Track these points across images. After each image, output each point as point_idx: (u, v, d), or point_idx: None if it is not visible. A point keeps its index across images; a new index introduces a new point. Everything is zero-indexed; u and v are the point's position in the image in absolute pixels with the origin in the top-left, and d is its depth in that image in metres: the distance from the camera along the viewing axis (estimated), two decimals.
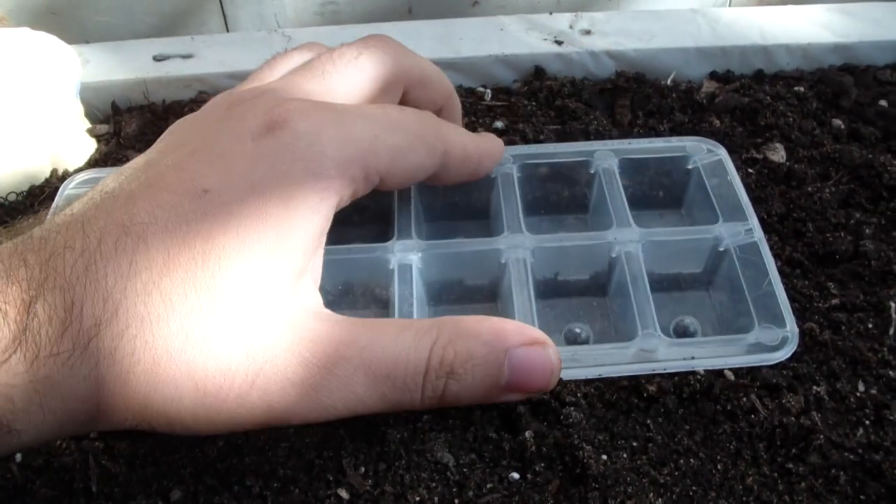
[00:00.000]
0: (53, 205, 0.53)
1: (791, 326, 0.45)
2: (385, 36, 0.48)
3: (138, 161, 0.42)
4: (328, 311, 0.40)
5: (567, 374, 0.44)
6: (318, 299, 0.41)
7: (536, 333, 0.41)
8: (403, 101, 0.49)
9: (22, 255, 0.35)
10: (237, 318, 0.37)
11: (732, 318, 0.49)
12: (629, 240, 0.49)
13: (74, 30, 0.71)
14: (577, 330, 0.50)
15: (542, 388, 0.42)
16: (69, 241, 0.36)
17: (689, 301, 0.51)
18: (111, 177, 0.40)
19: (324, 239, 0.41)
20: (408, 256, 0.48)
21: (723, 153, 0.54)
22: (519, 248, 0.49)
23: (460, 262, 0.50)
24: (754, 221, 0.50)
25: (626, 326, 0.47)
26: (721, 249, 0.50)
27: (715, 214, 0.50)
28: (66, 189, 0.54)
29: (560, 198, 0.55)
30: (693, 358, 0.45)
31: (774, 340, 0.45)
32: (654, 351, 0.45)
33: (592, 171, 0.54)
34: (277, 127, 0.40)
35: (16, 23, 0.73)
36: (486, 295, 0.51)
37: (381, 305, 0.50)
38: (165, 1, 0.73)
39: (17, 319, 0.34)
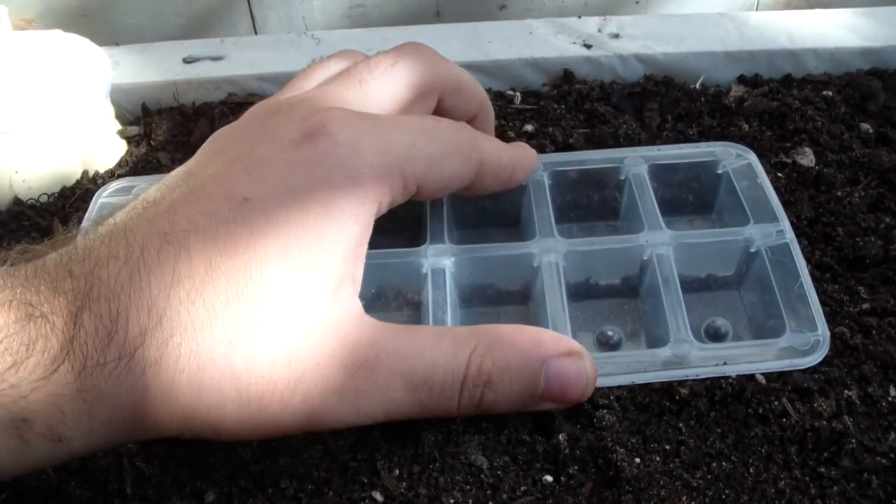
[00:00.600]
0: (88, 212, 0.53)
1: (822, 330, 0.45)
2: (420, 44, 0.49)
3: (179, 171, 0.42)
4: (369, 318, 0.41)
5: (599, 382, 0.44)
6: (359, 306, 0.41)
7: (573, 344, 0.41)
8: (438, 109, 0.50)
9: (67, 266, 0.36)
10: (279, 324, 0.37)
11: (764, 320, 0.49)
12: (660, 242, 0.49)
13: (103, 31, 0.72)
14: (610, 332, 0.50)
15: (578, 399, 0.42)
16: (112, 250, 0.36)
17: (721, 302, 0.51)
18: (153, 187, 0.41)
19: (365, 247, 0.42)
20: (441, 261, 0.49)
21: (752, 157, 0.54)
22: (551, 251, 0.49)
23: (493, 266, 0.50)
24: (785, 223, 0.50)
25: (657, 329, 0.47)
26: (752, 251, 0.50)
27: (746, 217, 0.51)
28: (100, 197, 0.54)
29: (591, 204, 0.55)
30: (725, 363, 0.45)
31: (806, 344, 0.45)
32: (686, 356, 0.45)
33: (623, 177, 0.54)
34: (316, 135, 0.40)
35: (45, 25, 0.73)
36: (519, 298, 0.51)
37: (413, 309, 0.50)
38: (194, 3, 0.73)
39: (64, 330, 0.34)
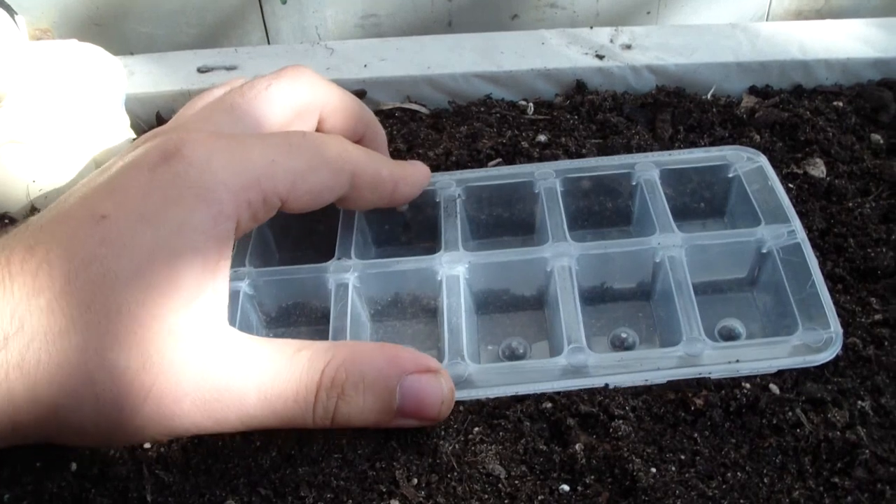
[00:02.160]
0: None
1: (835, 327, 0.46)
2: (300, 66, 0.50)
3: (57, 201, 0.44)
4: (230, 330, 0.42)
5: (614, 380, 0.45)
6: (218, 319, 0.42)
7: (431, 362, 0.43)
8: (321, 130, 0.51)
9: None
10: (133, 334, 0.38)
11: (777, 320, 0.49)
12: (672, 244, 0.50)
13: (118, 41, 0.72)
14: (623, 335, 0.50)
15: (434, 417, 0.43)
16: None
17: (734, 304, 0.52)
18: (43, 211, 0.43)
19: (226, 262, 0.43)
20: (455, 268, 0.49)
21: (763, 160, 0.54)
22: (564, 256, 0.49)
23: (506, 271, 0.50)
24: (797, 223, 0.50)
25: (671, 331, 0.47)
26: (764, 252, 0.50)
27: (757, 220, 0.51)
28: None
29: (603, 210, 0.56)
30: (738, 361, 0.45)
31: (818, 342, 0.45)
32: (699, 355, 0.45)
33: (634, 183, 0.54)
34: (171, 157, 0.41)
35: (59, 34, 0.74)
36: (533, 303, 0.52)
37: (429, 315, 0.51)
38: (207, 13, 0.73)
39: None
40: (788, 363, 0.45)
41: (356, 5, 0.73)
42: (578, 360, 0.45)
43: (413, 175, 0.52)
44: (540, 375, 0.45)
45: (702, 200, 0.56)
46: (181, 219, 0.40)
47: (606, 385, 0.45)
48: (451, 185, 0.54)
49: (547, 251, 0.50)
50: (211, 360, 0.40)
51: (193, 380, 0.40)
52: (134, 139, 0.65)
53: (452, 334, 0.46)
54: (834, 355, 0.45)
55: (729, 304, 0.52)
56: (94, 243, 0.39)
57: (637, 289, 0.52)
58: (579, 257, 0.50)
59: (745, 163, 0.54)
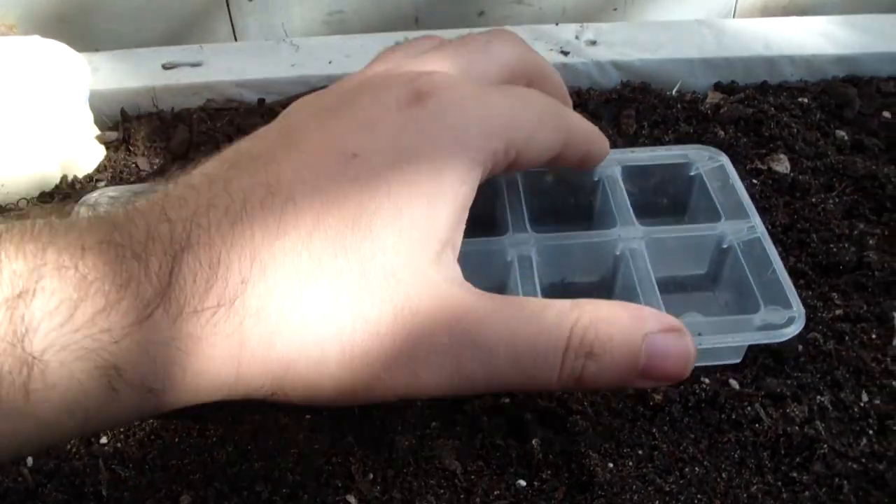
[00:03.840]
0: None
1: (798, 308, 0.45)
2: (510, 31, 0.49)
3: (271, 126, 0.41)
4: (469, 285, 0.40)
5: None
6: (459, 272, 0.40)
7: (674, 321, 0.40)
8: None
9: (162, 212, 0.34)
10: (387, 282, 0.36)
11: (739, 313, 0.48)
12: (633, 237, 0.49)
13: (83, 37, 0.72)
14: None
15: (678, 376, 0.40)
16: (212, 199, 0.35)
17: (696, 301, 0.52)
18: (244, 140, 0.40)
19: (467, 212, 0.41)
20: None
21: (724, 159, 0.54)
22: (523, 245, 0.49)
23: (464, 261, 0.50)
24: (756, 219, 0.50)
25: None
26: (725, 246, 0.50)
27: (718, 216, 0.51)
28: (81, 206, 0.53)
29: (566, 206, 0.56)
30: (700, 334, 0.44)
31: (781, 319, 0.45)
32: None
33: (596, 179, 0.54)
34: (424, 97, 0.39)
35: (24, 30, 0.73)
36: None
37: None
38: (173, 10, 0.73)
39: (159, 274, 0.33)
40: (751, 338, 0.45)
41: (322, 2, 0.73)
42: None
43: (604, 141, 0.51)
44: None
45: (664, 198, 0.56)
46: (439, 160, 0.38)
47: None
48: None
49: (507, 241, 0.50)
50: (461, 314, 0.37)
51: (445, 334, 0.37)
52: (98, 135, 0.64)
53: None
54: (797, 331, 0.44)
55: (690, 302, 0.51)
56: (346, 182, 0.37)
57: (599, 283, 0.52)
58: (539, 248, 0.49)
59: (707, 161, 0.54)
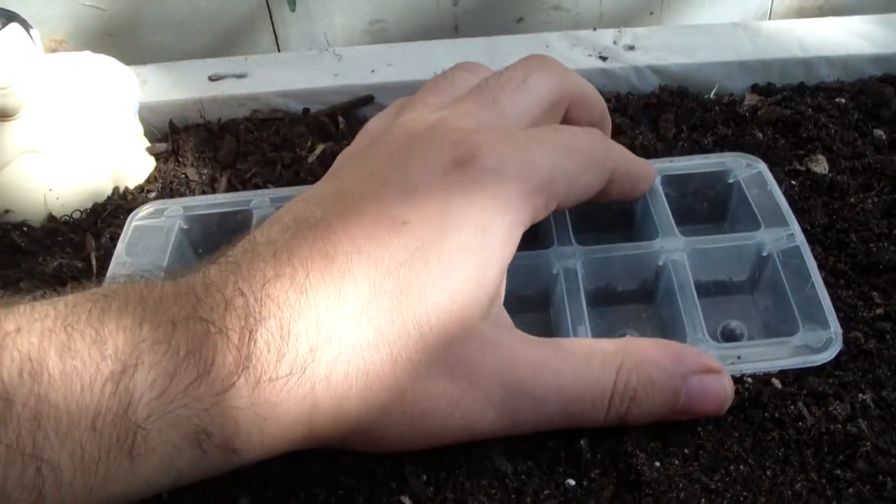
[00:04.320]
0: (122, 236, 0.55)
1: (835, 328, 0.46)
2: (547, 57, 0.50)
3: (325, 189, 0.44)
4: (520, 332, 0.42)
5: None
6: (509, 320, 0.43)
7: (712, 362, 0.43)
8: (564, 119, 0.51)
9: (236, 285, 0.37)
10: (441, 344, 0.39)
11: (777, 322, 0.49)
12: (675, 248, 0.50)
13: (131, 51, 0.73)
14: (628, 336, 0.51)
15: (715, 413, 0.44)
16: (279, 270, 0.38)
17: (736, 306, 0.53)
18: (299, 204, 0.43)
19: (508, 263, 0.43)
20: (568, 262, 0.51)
21: (762, 166, 0.55)
22: (569, 258, 0.50)
23: (512, 274, 0.50)
24: (795, 227, 0.51)
25: (675, 333, 0.48)
26: (764, 255, 0.51)
27: (757, 224, 0.52)
28: (133, 220, 0.55)
29: (606, 215, 0.56)
30: (739, 358, 0.46)
31: (819, 342, 0.46)
32: None
33: None
34: (467, 162, 0.42)
35: (74, 46, 0.75)
36: (539, 305, 0.52)
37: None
38: (218, 22, 0.74)
39: (239, 346, 0.36)
40: (789, 363, 0.46)
41: (363, 12, 0.74)
42: None
43: (649, 171, 0.53)
44: None
45: (703, 206, 0.57)
46: (483, 226, 0.41)
47: None
48: None
49: (552, 254, 0.51)
50: (514, 367, 0.40)
51: (500, 387, 0.40)
52: (147, 147, 0.66)
53: None
54: (833, 356, 0.46)
55: (730, 306, 0.52)
56: (399, 250, 0.39)
57: (641, 292, 0.53)
58: (584, 261, 0.50)
59: (745, 169, 0.55)
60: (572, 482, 0.42)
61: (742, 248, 0.51)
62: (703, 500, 0.41)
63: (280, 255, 0.38)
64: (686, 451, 0.43)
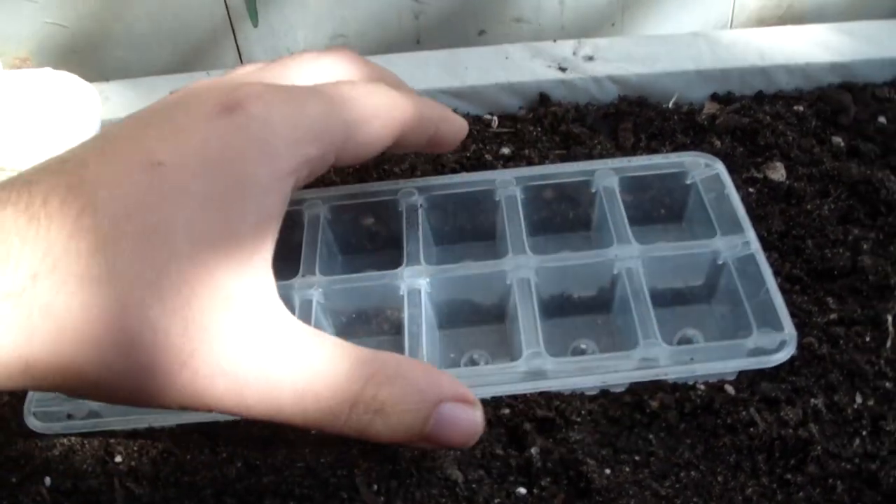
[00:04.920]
0: None
1: (789, 330, 0.46)
2: (350, 51, 0.50)
3: (93, 137, 0.42)
4: (278, 306, 0.40)
5: (571, 384, 0.46)
6: (272, 289, 0.40)
7: (468, 393, 0.41)
8: None
9: None
10: (178, 293, 0.36)
11: (734, 330, 0.50)
12: (629, 256, 0.50)
13: (94, 68, 0.73)
14: (583, 346, 0.51)
15: (461, 446, 0.42)
16: (12, 198, 0.35)
17: (692, 315, 0.53)
18: (65, 151, 0.40)
19: (279, 222, 0.41)
20: (417, 282, 0.50)
21: (720, 167, 0.55)
22: (523, 268, 0.50)
23: (467, 284, 0.51)
24: (751, 234, 0.51)
25: (629, 339, 0.48)
26: (720, 263, 0.51)
27: (713, 230, 0.52)
28: None
29: (564, 218, 0.57)
30: (692, 360, 0.46)
31: (773, 344, 0.46)
32: (656, 358, 0.46)
33: (594, 190, 0.55)
34: (232, 109, 0.40)
35: (38, 63, 0.75)
36: (495, 316, 0.53)
37: (394, 330, 0.52)
38: (179, 37, 0.74)
39: None
40: (743, 364, 0.46)
41: (325, 26, 0.74)
42: (536, 365, 0.46)
43: (453, 116, 0.52)
44: (499, 380, 0.46)
45: (660, 207, 0.57)
46: (241, 173, 0.39)
47: (562, 393, 0.46)
48: (414, 193, 0.55)
49: (507, 264, 0.51)
50: (255, 339, 0.37)
51: (234, 358, 0.37)
52: None
53: (413, 347, 0.47)
54: (788, 356, 0.46)
55: (687, 316, 0.53)
56: (147, 190, 0.36)
57: (596, 301, 0.53)
58: (538, 269, 0.50)
59: (703, 169, 0.55)
60: (523, 490, 0.43)
61: (697, 255, 0.52)
62: None
63: (17, 186, 0.36)
64: (637, 458, 0.44)
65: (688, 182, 0.56)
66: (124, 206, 0.36)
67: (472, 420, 0.40)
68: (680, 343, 0.51)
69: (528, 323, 0.48)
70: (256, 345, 0.37)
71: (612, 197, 0.54)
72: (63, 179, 0.36)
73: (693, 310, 0.53)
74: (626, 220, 0.52)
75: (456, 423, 0.40)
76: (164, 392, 0.36)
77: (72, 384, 0.36)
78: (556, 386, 0.46)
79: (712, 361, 0.46)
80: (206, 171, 0.38)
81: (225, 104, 0.40)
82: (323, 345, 0.39)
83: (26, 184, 0.36)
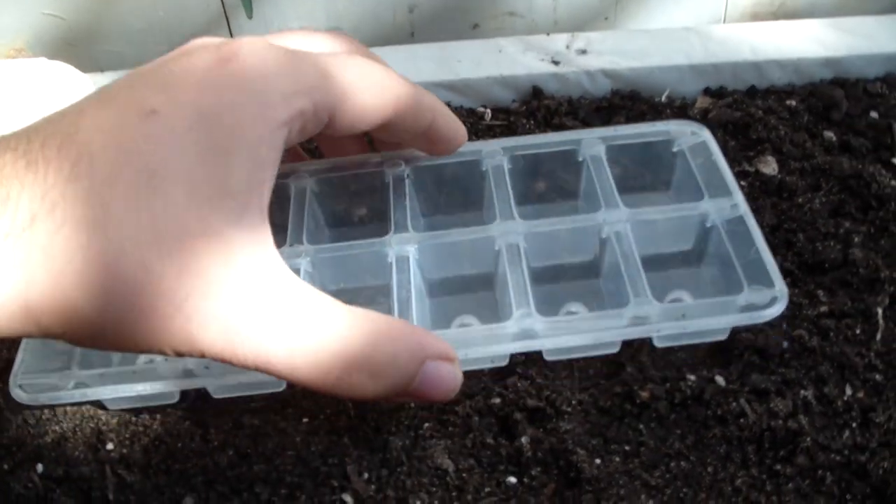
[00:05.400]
0: None
1: (780, 286, 0.45)
2: (346, 34, 0.50)
3: (95, 91, 0.42)
4: (273, 255, 0.40)
5: (562, 342, 0.45)
6: (265, 233, 0.40)
7: (450, 351, 0.41)
8: None
9: None
10: (175, 239, 0.36)
11: (724, 292, 0.49)
12: (618, 220, 0.50)
13: (89, 60, 0.74)
14: (574, 310, 0.51)
15: (441, 401, 0.43)
16: (11, 144, 0.36)
17: (682, 278, 0.53)
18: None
19: (274, 172, 0.41)
20: (405, 249, 0.50)
21: (706, 134, 0.54)
22: (511, 233, 0.50)
23: (456, 251, 0.51)
24: (739, 197, 0.50)
25: (620, 302, 0.47)
26: (708, 225, 0.50)
27: (701, 193, 0.52)
28: None
29: (551, 186, 0.57)
30: (684, 316, 0.45)
31: (764, 300, 0.45)
32: (647, 317, 0.45)
33: (581, 159, 0.55)
34: (227, 60, 0.40)
35: (33, 54, 0.75)
36: (484, 283, 0.52)
37: (383, 299, 0.51)
38: (174, 30, 0.75)
39: None
40: (735, 320, 0.45)
41: (320, 19, 0.74)
42: (527, 325, 0.45)
43: (451, 114, 0.51)
44: (489, 341, 0.46)
45: (647, 174, 0.57)
46: (235, 122, 0.38)
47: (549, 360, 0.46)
48: (400, 164, 0.55)
49: (495, 230, 0.50)
50: (250, 287, 0.37)
51: (227, 305, 0.37)
52: None
53: (402, 312, 0.46)
54: (779, 312, 0.45)
55: (676, 279, 0.52)
56: (142, 137, 0.37)
57: (586, 265, 0.53)
58: (527, 235, 0.50)
59: (689, 137, 0.55)
60: (513, 480, 0.43)
61: (686, 218, 0.51)
62: (644, 496, 0.42)
63: (18, 134, 0.37)
64: (627, 448, 0.44)
65: (674, 150, 0.55)
66: (119, 152, 0.36)
67: (453, 376, 0.41)
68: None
69: (518, 286, 0.47)
70: (250, 293, 0.37)
71: (600, 165, 0.53)
72: (61, 127, 0.37)
73: (683, 273, 0.53)
74: (613, 187, 0.52)
75: (439, 380, 0.40)
76: (158, 335, 0.37)
77: (70, 328, 0.37)
78: (548, 345, 0.45)
79: (704, 318, 0.45)
80: (200, 120, 0.38)
81: (221, 55, 0.40)
82: (317, 301, 0.39)
83: (25, 131, 0.37)
